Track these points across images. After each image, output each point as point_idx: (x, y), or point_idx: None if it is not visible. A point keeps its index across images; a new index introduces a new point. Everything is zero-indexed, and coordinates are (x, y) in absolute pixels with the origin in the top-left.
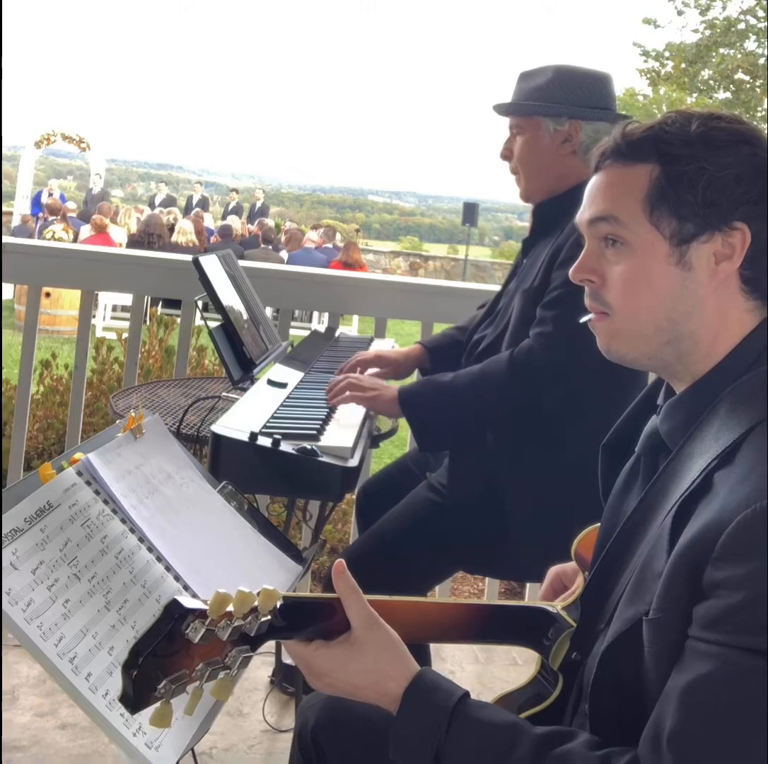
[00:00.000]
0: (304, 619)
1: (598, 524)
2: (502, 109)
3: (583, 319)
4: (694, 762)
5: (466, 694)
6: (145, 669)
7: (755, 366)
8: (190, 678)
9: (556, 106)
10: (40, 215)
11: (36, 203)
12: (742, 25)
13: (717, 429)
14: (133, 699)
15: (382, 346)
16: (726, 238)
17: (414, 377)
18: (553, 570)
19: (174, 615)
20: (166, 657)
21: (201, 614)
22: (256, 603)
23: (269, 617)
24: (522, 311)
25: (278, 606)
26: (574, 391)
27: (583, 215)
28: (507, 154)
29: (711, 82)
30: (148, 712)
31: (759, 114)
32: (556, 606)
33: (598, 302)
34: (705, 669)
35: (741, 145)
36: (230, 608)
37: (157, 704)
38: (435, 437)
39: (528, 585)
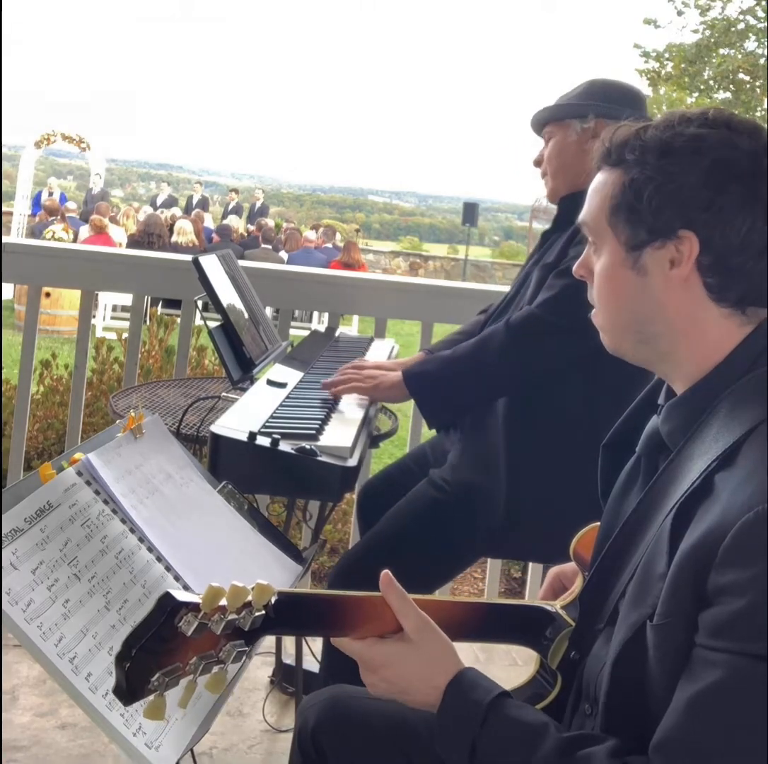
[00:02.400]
0: (299, 615)
1: (597, 523)
2: (534, 123)
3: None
4: None
5: (504, 693)
6: (138, 661)
7: (754, 368)
8: (183, 671)
9: (581, 105)
10: (40, 214)
11: (36, 203)
12: (742, 25)
13: (717, 431)
14: (127, 691)
15: (382, 346)
16: (677, 245)
17: None
18: (552, 571)
19: (166, 607)
20: (160, 650)
21: (194, 607)
22: (249, 598)
23: (263, 611)
24: (538, 284)
25: (273, 601)
26: (575, 359)
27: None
28: (539, 160)
29: (711, 82)
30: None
31: (758, 114)
32: (555, 606)
33: (591, 297)
34: (713, 677)
35: (698, 152)
36: (224, 602)
37: (151, 696)
38: (442, 411)
39: (528, 586)
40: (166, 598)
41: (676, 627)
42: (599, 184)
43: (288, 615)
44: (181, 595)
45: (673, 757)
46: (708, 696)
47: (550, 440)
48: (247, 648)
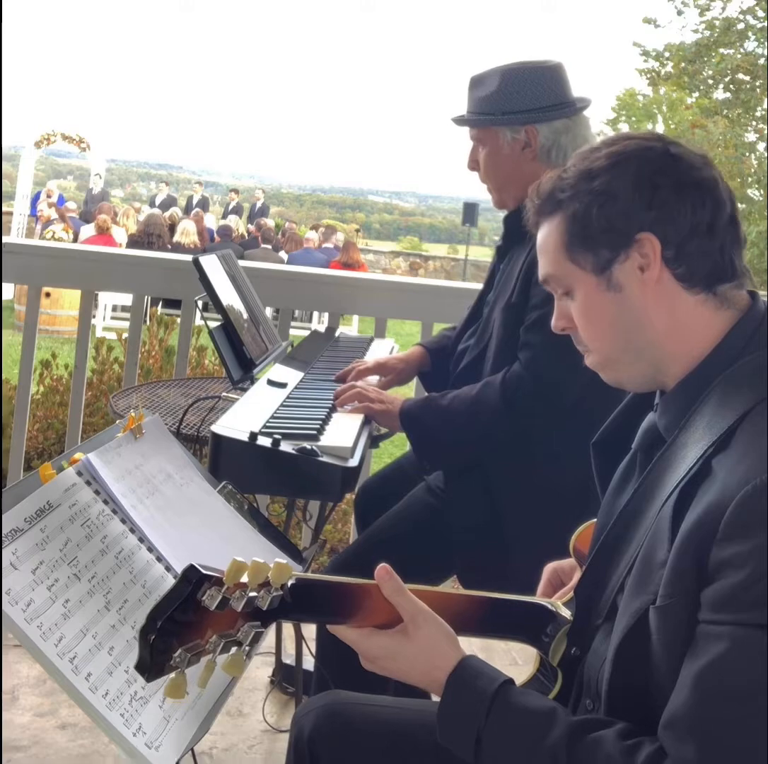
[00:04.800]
0: (314, 599)
1: (595, 519)
2: (457, 123)
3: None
4: (715, 744)
5: (508, 681)
6: (162, 634)
7: (744, 355)
8: (204, 649)
9: (508, 116)
10: (38, 215)
11: (34, 204)
12: (741, 25)
13: (710, 418)
14: (150, 665)
15: (382, 346)
16: (639, 250)
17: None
18: (550, 566)
19: (192, 579)
20: (183, 624)
21: (216, 582)
22: (269, 576)
23: (281, 592)
24: (503, 328)
25: (290, 584)
26: (567, 409)
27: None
28: (473, 166)
29: (711, 82)
30: (148, 712)
31: (758, 114)
32: (556, 603)
33: (580, 343)
34: (718, 650)
35: (617, 166)
36: (245, 579)
37: (172, 674)
38: (432, 457)
39: None
40: (191, 570)
41: (679, 607)
42: (544, 237)
43: (303, 598)
44: (206, 569)
45: (684, 733)
46: (714, 669)
47: (540, 470)
48: (263, 630)
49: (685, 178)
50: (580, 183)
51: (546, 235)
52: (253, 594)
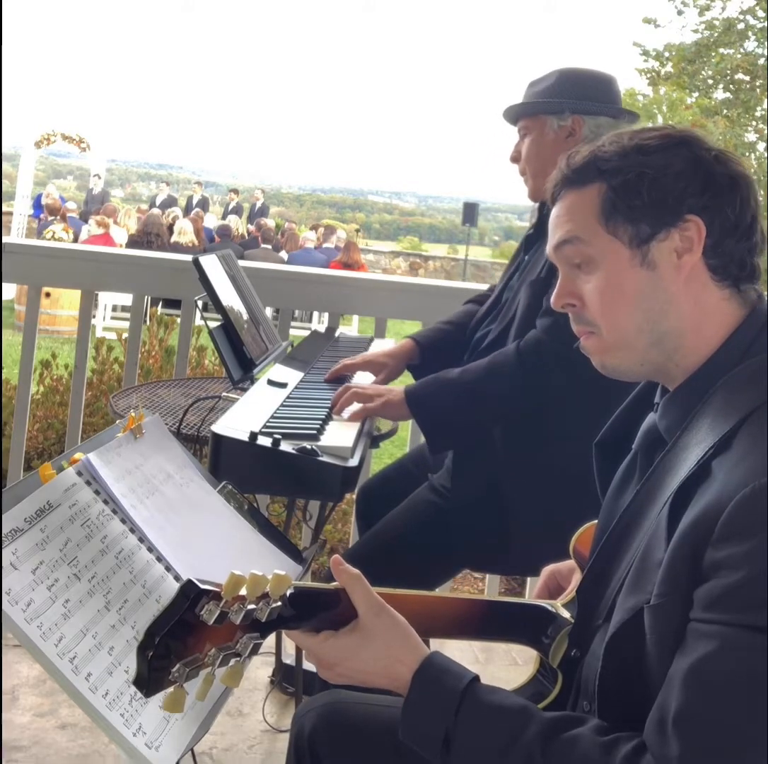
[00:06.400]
0: (313, 608)
1: (596, 520)
2: (508, 114)
3: (575, 345)
4: (700, 742)
5: (476, 678)
6: (160, 650)
7: (747, 357)
8: (202, 662)
9: (557, 102)
10: (41, 216)
11: (36, 205)
12: (741, 25)
13: (712, 420)
14: (148, 680)
15: (383, 346)
16: (682, 232)
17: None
18: (547, 569)
19: (189, 594)
20: (181, 639)
21: (215, 596)
22: (267, 588)
23: (279, 603)
24: (529, 301)
25: (288, 594)
26: (581, 380)
27: (549, 245)
28: (516, 157)
29: (711, 82)
30: (148, 712)
31: (758, 114)
32: (556, 604)
33: (583, 323)
34: (707, 649)
35: (673, 147)
36: (243, 591)
37: (171, 688)
38: (445, 437)
39: (528, 586)
40: (189, 586)
41: (672, 607)
42: (573, 204)
43: (302, 608)
44: (203, 583)
45: (669, 731)
46: (701, 668)
47: (548, 460)
48: (262, 641)
49: (736, 171)
50: (632, 156)
51: (575, 202)
52: (251, 606)
